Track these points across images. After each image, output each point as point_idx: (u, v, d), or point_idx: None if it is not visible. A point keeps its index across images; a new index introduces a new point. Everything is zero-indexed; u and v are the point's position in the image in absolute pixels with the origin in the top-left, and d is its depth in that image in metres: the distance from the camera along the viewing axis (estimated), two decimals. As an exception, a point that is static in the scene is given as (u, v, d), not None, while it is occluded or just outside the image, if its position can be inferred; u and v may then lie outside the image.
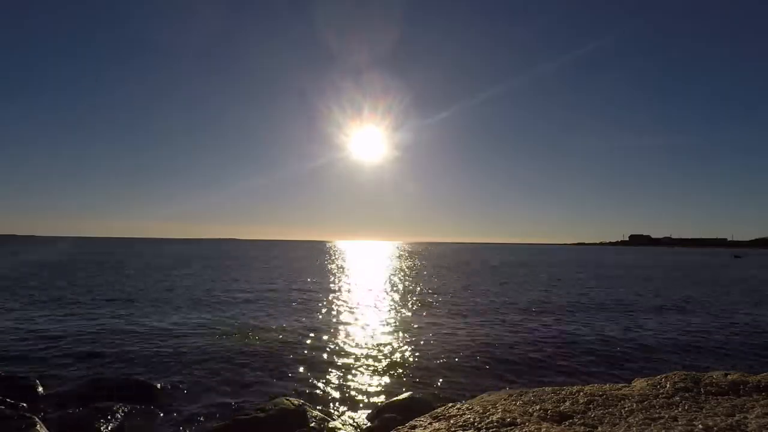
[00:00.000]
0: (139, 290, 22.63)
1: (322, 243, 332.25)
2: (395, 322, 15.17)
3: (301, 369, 9.64)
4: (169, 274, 32.71)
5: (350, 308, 18.18)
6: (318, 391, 8.29)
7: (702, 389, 2.77)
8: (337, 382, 8.86)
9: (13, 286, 23.02)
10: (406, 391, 8.21)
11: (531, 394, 2.76)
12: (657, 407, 2.49)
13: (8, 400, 6.97)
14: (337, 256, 75.79)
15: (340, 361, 10.29)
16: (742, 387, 2.79)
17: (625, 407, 2.50)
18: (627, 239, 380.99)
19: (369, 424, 6.70)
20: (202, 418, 6.97)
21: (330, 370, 9.63)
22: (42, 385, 7.97)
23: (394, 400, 7.33)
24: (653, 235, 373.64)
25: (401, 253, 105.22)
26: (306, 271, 39.92)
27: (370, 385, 8.74)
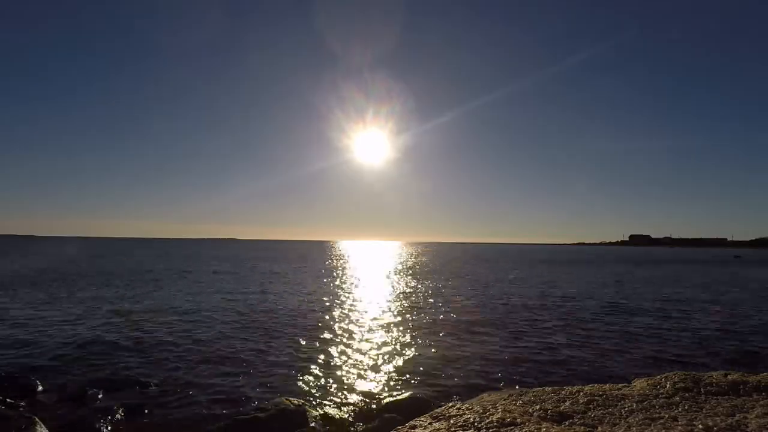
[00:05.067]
0: (139, 290, 22.63)
1: (325, 243, 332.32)
2: (395, 322, 15.17)
3: (301, 369, 9.63)
4: (171, 275, 32.72)
5: (350, 308, 18.18)
6: (318, 391, 8.28)
7: (702, 389, 2.77)
8: (337, 382, 8.85)
9: (14, 286, 23.04)
10: (406, 391, 8.22)
11: (531, 394, 2.76)
12: (657, 407, 2.50)
13: (8, 400, 6.97)
14: (338, 256, 75.79)
15: (340, 361, 10.29)
16: (742, 387, 2.80)
17: (625, 407, 2.50)
18: (627, 239, 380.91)
19: (369, 424, 6.70)
20: (202, 418, 6.97)
21: (330, 370, 9.63)
22: (42, 385, 7.97)
23: (394, 400, 7.33)
24: (653, 235, 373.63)
25: (402, 253, 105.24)
26: (306, 271, 39.92)
27: (370, 385, 8.74)
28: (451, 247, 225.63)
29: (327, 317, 15.90)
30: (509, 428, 2.23)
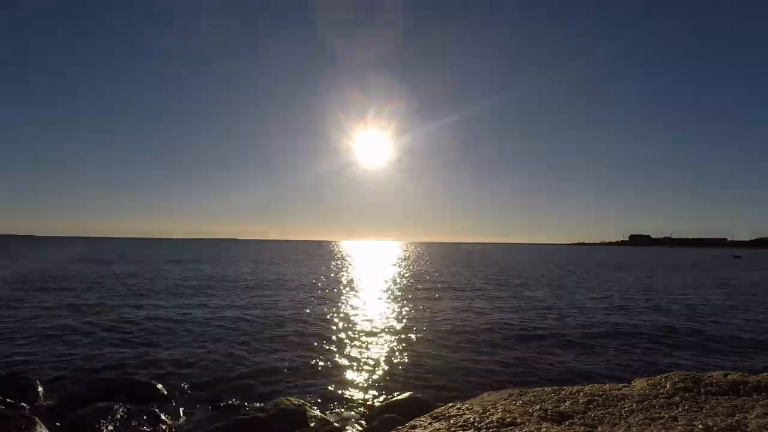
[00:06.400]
0: (139, 290, 22.63)
1: (326, 243, 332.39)
2: (395, 322, 15.16)
3: (302, 369, 9.64)
4: (172, 275, 32.71)
5: (350, 308, 18.17)
6: (318, 391, 8.28)
7: (702, 389, 2.77)
8: (337, 382, 8.85)
9: (17, 287, 23.04)
10: (406, 391, 8.21)
11: (531, 394, 2.76)
12: (657, 407, 2.49)
13: (8, 400, 6.97)
14: (339, 257, 75.78)
15: (340, 362, 10.28)
16: (742, 387, 2.80)
17: (625, 407, 2.50)
18: (627, 239, 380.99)
19: (369, 424, 6.70)
20: (202, 418, 6.97)
21: (330, 370, 9.63)
22: (42, 385, 7.97)
23: (394, 400, 7.33)
24: (653, 235, 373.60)
25: (403, 253, 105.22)
26: (306, 271, 39.90)
27: (370, 385, 8.74)
28: (452, 247, 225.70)
29: (327, 317, 15.89)
30: (509, 428, 2.23)
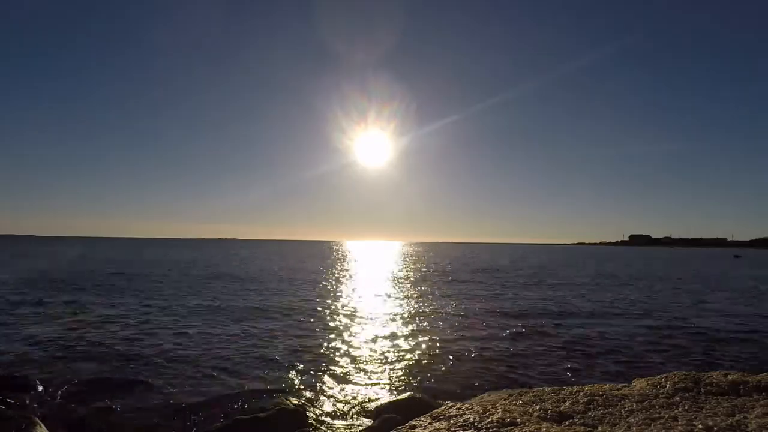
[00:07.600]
0: (141, 291, 22.64)
1: (327, 243, 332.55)
2: (395, 323, 15.17)
3: (301, 369, 9.64)
4: (173, 275, 32.72)
5: (350, 308, 18.18)
6: (318, 391, 8.28)
7: (702, 389, 2.77)
8: (337, 382, 8.86)
9: (17, 287, 23.05)
10: (406, 391, 8.21)
11: (531, 394, 2.76)
12: (657, 407, 2.50)
13: (8, 400, 6.98)
14: (340, 256, 75.80)
15: (340, 362, 10.28)
16: (742, 387, 2.80)
17: (625, 407, 2.50)
18: (627, 239, 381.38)
19: (369, 424, 6.70)
20: (202, 418, 6.97)
21: (330, 370, 9.63)
22: (42, 385, 7.97)
23: (394, 400, 7.33)
24: (653, 235, 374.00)
25: (404, 253, 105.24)
26: (306, 270, 39.92)
27: (370, 385, 8.74)
28: (452, 246, 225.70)
29: (327, 317, 15.90)
30: (509, 428, 2.23)
